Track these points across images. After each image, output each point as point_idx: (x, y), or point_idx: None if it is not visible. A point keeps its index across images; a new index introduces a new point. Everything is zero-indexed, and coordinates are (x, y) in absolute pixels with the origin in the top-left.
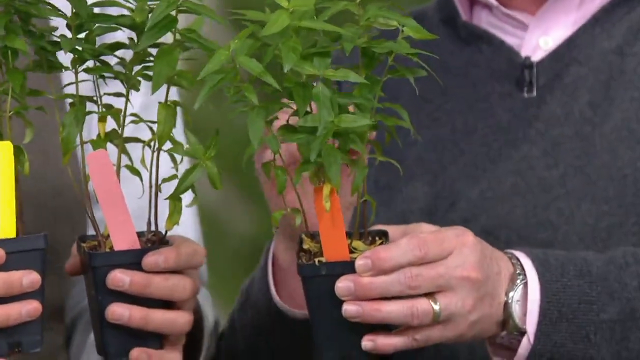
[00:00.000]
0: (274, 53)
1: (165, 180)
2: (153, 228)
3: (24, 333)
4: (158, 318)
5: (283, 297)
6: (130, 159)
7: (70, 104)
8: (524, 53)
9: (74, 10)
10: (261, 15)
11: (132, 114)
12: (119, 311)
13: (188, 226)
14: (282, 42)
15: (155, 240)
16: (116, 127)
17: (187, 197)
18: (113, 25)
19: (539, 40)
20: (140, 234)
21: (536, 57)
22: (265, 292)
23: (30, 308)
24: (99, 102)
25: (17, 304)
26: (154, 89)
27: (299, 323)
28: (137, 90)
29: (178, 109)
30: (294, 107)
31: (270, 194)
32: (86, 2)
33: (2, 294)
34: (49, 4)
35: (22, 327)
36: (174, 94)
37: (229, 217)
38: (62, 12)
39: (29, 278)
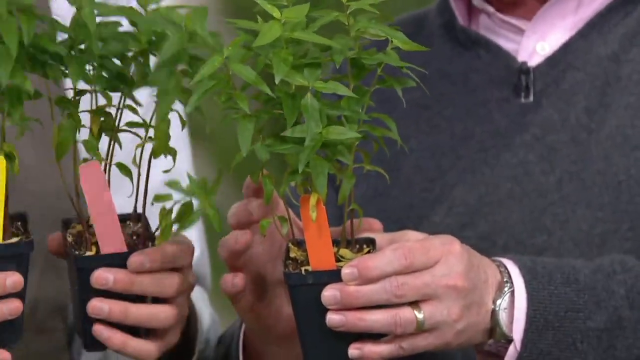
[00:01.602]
0: (265, 62)
1: (158, 198)
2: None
3: (3, 330)
4: (137, 311)
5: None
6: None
7: (68, 113)
8: (520, 58)
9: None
10: (254, 25)
11: (128, 106)
12: (98, 305)
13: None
14: (273, 52)
15: (137, 243)
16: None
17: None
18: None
19: (535, 45)
20: (126, 217)
21: (533, 62)
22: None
23: (11, 308)
24: (95, 97)
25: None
26: (160, 116)
27: None
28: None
29: (175, 116)
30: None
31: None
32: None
33: None
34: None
35: (2, 325)
36: None
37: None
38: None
39: (12, 279)
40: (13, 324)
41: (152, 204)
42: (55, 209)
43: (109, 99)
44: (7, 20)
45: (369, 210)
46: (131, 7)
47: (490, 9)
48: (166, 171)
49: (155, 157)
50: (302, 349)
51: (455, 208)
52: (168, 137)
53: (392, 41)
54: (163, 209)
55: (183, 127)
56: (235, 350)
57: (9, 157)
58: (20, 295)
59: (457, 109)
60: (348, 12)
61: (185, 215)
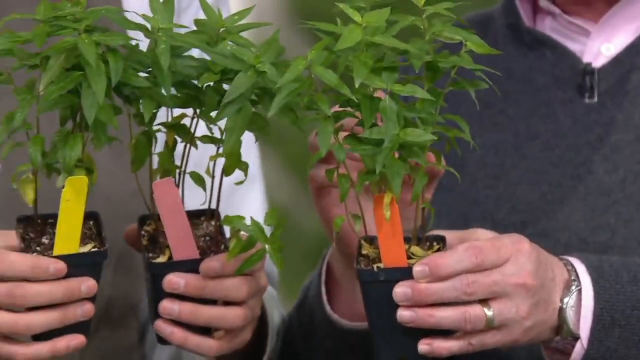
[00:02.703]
0: (344, 65)
1: (227, 221)
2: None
3: (76, 332)
4: (207, 312)
5: (334, 305)
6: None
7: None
8: (585, 59)
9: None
10: (334, 28)
11: (203, 114)
12: (169, 306)
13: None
14: (354, 56)
15: (213, 235)
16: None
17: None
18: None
19: (601, 47)
20: (198, 214)
21: (598, 63)
22: (318, 299)
23: (85, 310)
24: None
25: (73, 307)
26: (227, 146)
27: (346, 332)
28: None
29: None
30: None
31: (322, 204)
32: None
33: (63, 299)
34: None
35: (74, 327)
36: None
37: (300, 217)
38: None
39: (87, 285)
40: (83, 325)
41: (221, 223)
42: (126, 207)
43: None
44: (96, 67)
45: (434, 204)
46: (206, 33)
47: (556, 10)
48: (238, 183)
49: (227, 175)
50: (373, 343)
51: (518, 205)
52: (239, 158)
53: (465, 44)
54: (233, 229)
55: (256, 140)
56: (317, 279)
57: (89, 171)
58: (91, 298)
59: (521, 108)
60: (424, 16)
61: (252, 247)
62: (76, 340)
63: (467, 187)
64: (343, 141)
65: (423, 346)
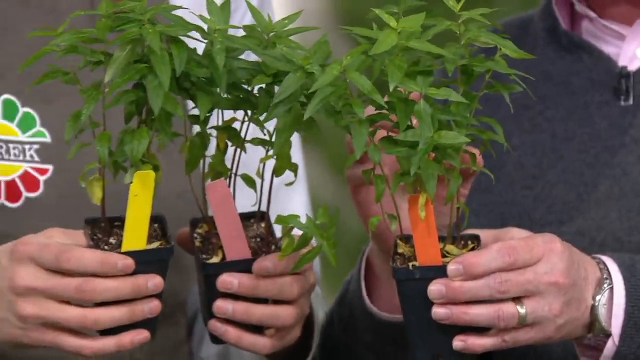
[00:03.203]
0: (380, 69)
1: (281, 220)
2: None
3: (143, 328)
4: (259, 311)
5: (374, 299)
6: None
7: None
8: (621, 62)
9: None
10: (370, 32)
11: (254, 119)
12: (223, 306)
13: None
14: (388, 60)
15: (264, 236)
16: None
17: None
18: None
19: (636, 50)
20: (248, 216)
21: (633, 66)
22: (358, 293)
23: (152, 306)
24: (222, 114)
25: (141, 303)
26: (277, 146)
27: (386, 325)
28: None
29: None
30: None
31: (360, 201)
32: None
33: (130, 295)
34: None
35: (141, 324)
36: None
37: (344, 215)
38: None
39: (154, 282)
40: (149, 322)
41: (274, 223)
42: (174, 208)
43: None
44: (160, 55)
45: (472, 203)
46: (256, 38)
47: (592, 14)
48: (288, 184)
49: (277, 176)
50: (408, 339)
51: (555, 205)
52: (289, 159)
53: (500, 48)
54: (285, 227)
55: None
56: (357, 274)
57: (155, 168)
58: (158, 295)
59: (558, 110)
60: (460, 22)
61: (306, 245)
62: (141, 335)
63: (505, 187)
64: (378, 143)
65: (457, 342)
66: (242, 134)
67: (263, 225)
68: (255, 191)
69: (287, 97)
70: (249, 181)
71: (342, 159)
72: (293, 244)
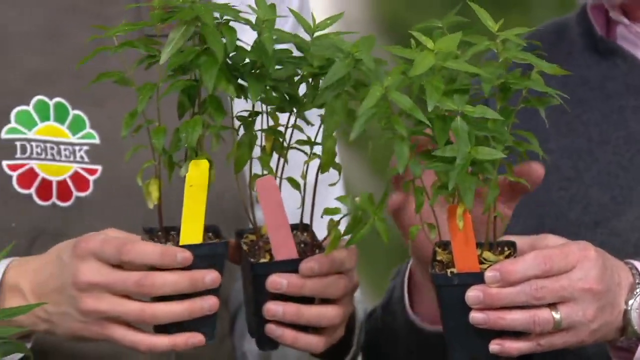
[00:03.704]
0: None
1: (328, 212)
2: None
3: (199, 326)
4: (308, 312)
5: (416, 306)
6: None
7: (244, 125)
8: None
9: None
10: (408, 53)
11: (295, 126)
12: (274, 308)
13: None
14: (426, 81)
15: (308, 242)
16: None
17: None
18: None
19: None
20: (294, 227)
21: None
22: (401, 303)
23: (211, 302)
24: (266, 120)
25: (199, 300)
26: (327, 134)
27: (426, 334)
28: (308, 123)
29: None
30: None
31: (399, 222)
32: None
33: (188, 289)
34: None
35: (200, 321)
36: None
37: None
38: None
39: (211, 277)
40: (210, 321)
41: (322, 216)
42: (214, 209)
43: (276, 119)
44: (213, 30)
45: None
46: (299, 36)
47: (626, 20)
48: (332, 184)
49: (322, 172)
50: (446, 343)
51: (591, 206)
52: (335, 154)
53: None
54: (332, 221)
55: (349, 142)
56: (400, 285)
57: (210, 164)
58: (216, 293)
59: (594, 114)
60: (498, 41)
61: (356, 228)
62: (195, 338)
63: (542, 189)
64: (419, 157)
65: (494, 346)
66: (287, 139)
67: (306, 235)
68: (301, 193)
69: (335, 83)
70: (294, 183)
71: (384, 161)
72: (339, 237)
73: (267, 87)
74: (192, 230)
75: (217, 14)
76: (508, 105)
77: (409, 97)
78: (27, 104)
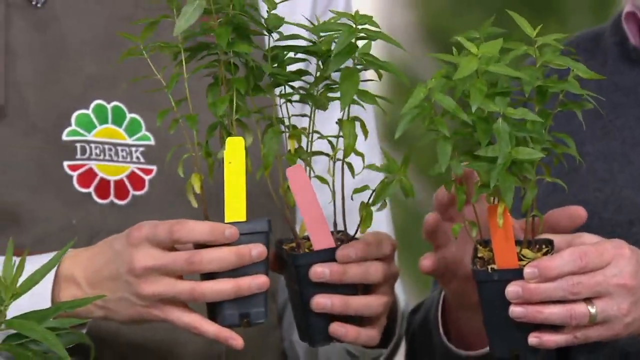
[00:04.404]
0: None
1: (357, 190)
2: (340, 228)
3: (251, 306)
4: (355, 302)
5: (451, 332)
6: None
7: (268, 125)
8: None
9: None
10: (452, 58)
11: (315, 131)
12: (322, 301)
13: (381, 221)
14: (470, 84)
15: (344, 239)
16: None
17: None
18: (301, 57)
19: None
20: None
21: None
22: (435, 327)
23: (260, 281)
24: (289, 123)
25: (247, 278)
26: (344, 105)
27: (457, 357)
28: (325, 109)
29: (373, 122)
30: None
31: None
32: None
33: (235, 263)
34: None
35: (250, 300)
36: (357, 110)
37: (424, 209)
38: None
39: (257, 250)
40: (262, 300)
41: (352, 198)
42: (264, 207)
43: (298, 135)
44: None
45: (548, 204)
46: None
47: None
48: (356, 174)
49: (345, 157)
50: (487, 336)
51: (624, 206)
52: (355, 137)
53: (573, 70)
54: (362, 202)
55: (366, 137)
56: (435, 312)
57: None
58: (264, 270)
59: (628, 118)
60: (536, 47)
61: (383, 190)
62: (235, 341)
63: (578, 190)
64: (461, 158)
65: (533, 339)
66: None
67: (340, 234)
68: (330, 188)
69: (344, 49)
70: (323, 181)
71: (428, 163)
72: (371, 215)
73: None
74: (235, 208)
75: None
76: (545, 108)
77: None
78: (87, 107)
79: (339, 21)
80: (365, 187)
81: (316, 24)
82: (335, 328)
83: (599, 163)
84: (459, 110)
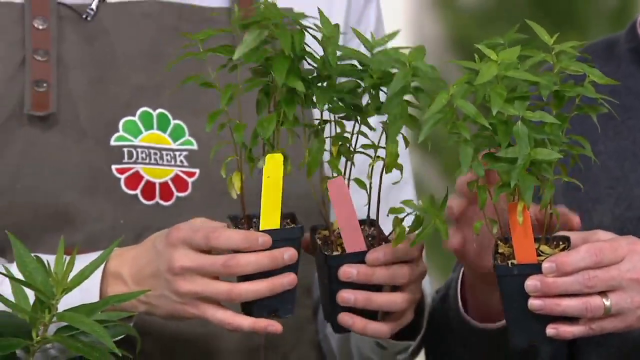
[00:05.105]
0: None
1: (393, 211)
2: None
3: (280, 302)
4: (378, 299)
5: (469, 308)
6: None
7: (314, 131)
8: None
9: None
10: (473, 64)
11: (360, 132)
12: (346, 296)
13: None
14: (491, 88)
15: (375, 235)
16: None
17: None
18: (352, 80)
19: None
20: (362, 222)
21: None
22: (455, 300)
23: (290, 279)
24: (335, 127)
25: (279, 277)
26: (391, 139)
27: (476, 331)
28: (372, 130)
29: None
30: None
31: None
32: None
33: (269, 267)
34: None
35: (279, 297)
36: None
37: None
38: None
39: (289, 253)
40: (291, 296)
41: (387, 215)
42: (300, 207)
43: (342, 126)
44: (283, 31)
45: (562, 200)
46: (360, 52)
47: None
48: (395, 183)
49: (387, 173)
50: (507, 327)
51: (635, 204)
52: (397, 156)
53: (588, 75)
54: (397, 218)
55: (406, 146)
56: (455, 285)
57: (285, 159)
58: (294, 270)
59: (639, 120)
60: (553, 53)
61: (418, 228)
62: (273, 327)
63: (591, 187)
64: (482, 159)
65: (550, 330)
66: (353, 145)
67: (372, 229)
68: (367, 192)
69: (399, 90)
70: (360, 184)
71: (455, 167)
72: (404, 233)
73: (334, 99)
74: (270, 217)
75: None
76: (562, 112)
77: (473, 105)
78: (134, 114)
79: (390, 45)
80: (401, 210)
81: (349, 34)
82: (344, 318)
83: (611, 162)
84: (479, 116)
